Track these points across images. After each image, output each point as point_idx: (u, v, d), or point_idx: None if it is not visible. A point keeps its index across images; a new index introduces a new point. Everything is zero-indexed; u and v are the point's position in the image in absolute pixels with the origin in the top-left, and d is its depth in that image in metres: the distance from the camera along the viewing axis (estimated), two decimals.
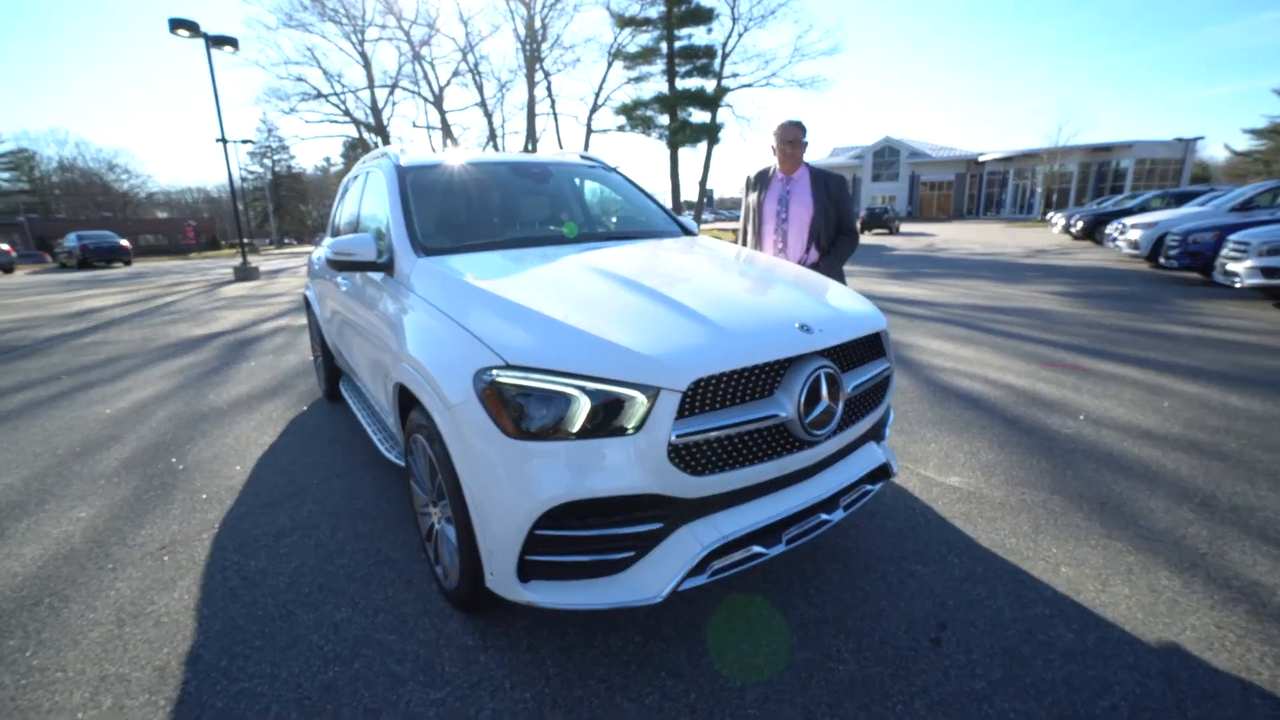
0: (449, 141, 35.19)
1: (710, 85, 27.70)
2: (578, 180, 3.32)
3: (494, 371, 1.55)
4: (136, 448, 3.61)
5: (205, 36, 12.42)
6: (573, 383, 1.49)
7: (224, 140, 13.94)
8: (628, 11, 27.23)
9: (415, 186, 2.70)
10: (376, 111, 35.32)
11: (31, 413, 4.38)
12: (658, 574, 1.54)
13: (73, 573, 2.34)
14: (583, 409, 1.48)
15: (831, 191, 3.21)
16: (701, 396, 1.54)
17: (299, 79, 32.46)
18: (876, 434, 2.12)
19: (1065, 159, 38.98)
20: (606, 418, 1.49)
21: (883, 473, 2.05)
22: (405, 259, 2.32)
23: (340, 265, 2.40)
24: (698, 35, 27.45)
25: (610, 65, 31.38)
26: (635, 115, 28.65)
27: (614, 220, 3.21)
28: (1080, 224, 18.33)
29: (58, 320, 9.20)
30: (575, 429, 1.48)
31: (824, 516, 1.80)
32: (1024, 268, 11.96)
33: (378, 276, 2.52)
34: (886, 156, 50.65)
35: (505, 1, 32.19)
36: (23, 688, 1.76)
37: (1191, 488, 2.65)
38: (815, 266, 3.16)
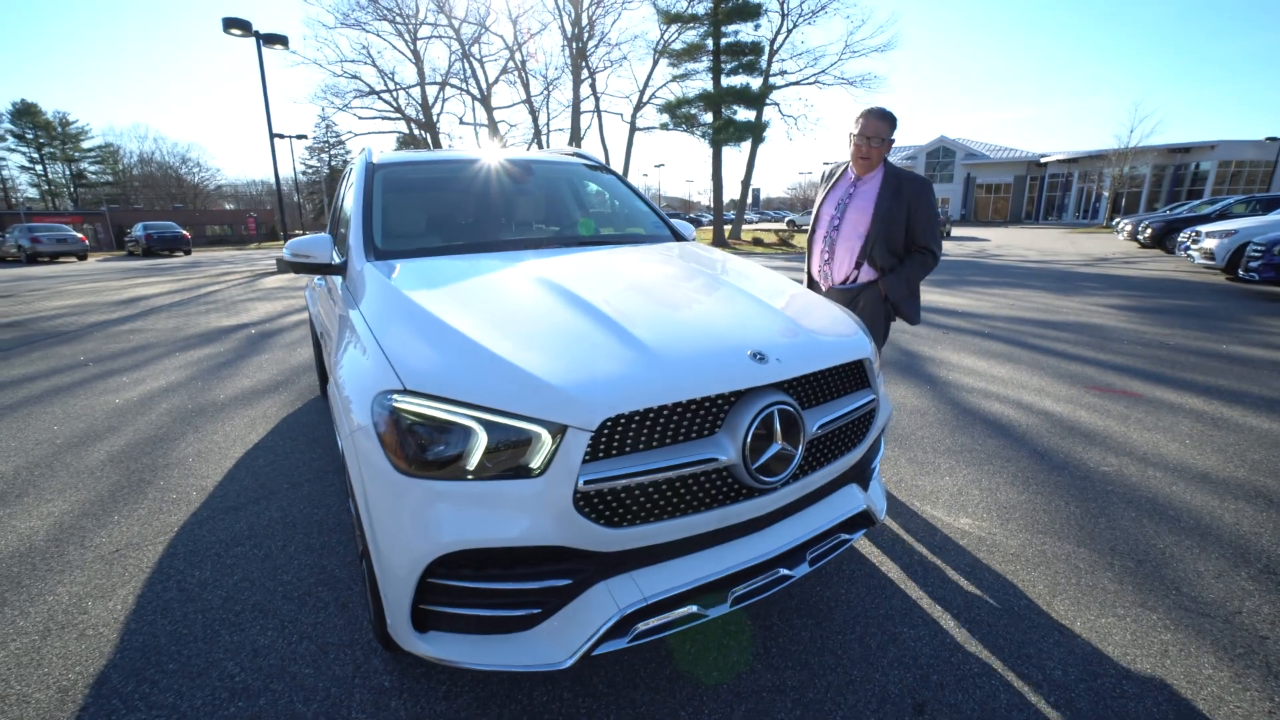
0: (495, 138, 35.69)
1: (756, 83, 27.08)
2: (564, 180, 3.12)
3: (392, 396, 1.37)
4: (130, 441, 3.62)
5: (257, 35, 12.86)
6: (471, 414, 1.30)
7: (273, 136, 14.41)
8: (674, 8, 26.91)
9: (387, 185, 2.56)
10: (426, 108, 36.14)
11: (49, 400, 4.50)
12: (566, 636, 1.33)
13: (22, 573, 2.29)
14: (479, 446, 1.29)
15: (905, 198, 2.57)
16: (621, 436, 1.31)
17: (354, 76, 33.51)
18: (860, 475, 1.84)
19: (1137, 160, 36.49)
20: (507, 457, 1.29)
21: (863, 520, 1.78)
22: (356, 261, 2.18)
23: (295, 266, 2.28)
24: (744, 32, 26.87)
25: (656, 63, 31.14)
26: (679, 113, 28.30)
27: (596, 223, 2.99)
28: (1150, 230, 17.03)
29: (105, 307, 9.64)
30: (471, 467, 1.29)
31: (783, 572, 1.55)
32: (1081, 277, 11.14)
33: (338, 279, 2.39)
34: (940, 158, 48.72)
35: None
36: None
37: (1254, 548, 2.25)
38: (870, 288, 2.67)
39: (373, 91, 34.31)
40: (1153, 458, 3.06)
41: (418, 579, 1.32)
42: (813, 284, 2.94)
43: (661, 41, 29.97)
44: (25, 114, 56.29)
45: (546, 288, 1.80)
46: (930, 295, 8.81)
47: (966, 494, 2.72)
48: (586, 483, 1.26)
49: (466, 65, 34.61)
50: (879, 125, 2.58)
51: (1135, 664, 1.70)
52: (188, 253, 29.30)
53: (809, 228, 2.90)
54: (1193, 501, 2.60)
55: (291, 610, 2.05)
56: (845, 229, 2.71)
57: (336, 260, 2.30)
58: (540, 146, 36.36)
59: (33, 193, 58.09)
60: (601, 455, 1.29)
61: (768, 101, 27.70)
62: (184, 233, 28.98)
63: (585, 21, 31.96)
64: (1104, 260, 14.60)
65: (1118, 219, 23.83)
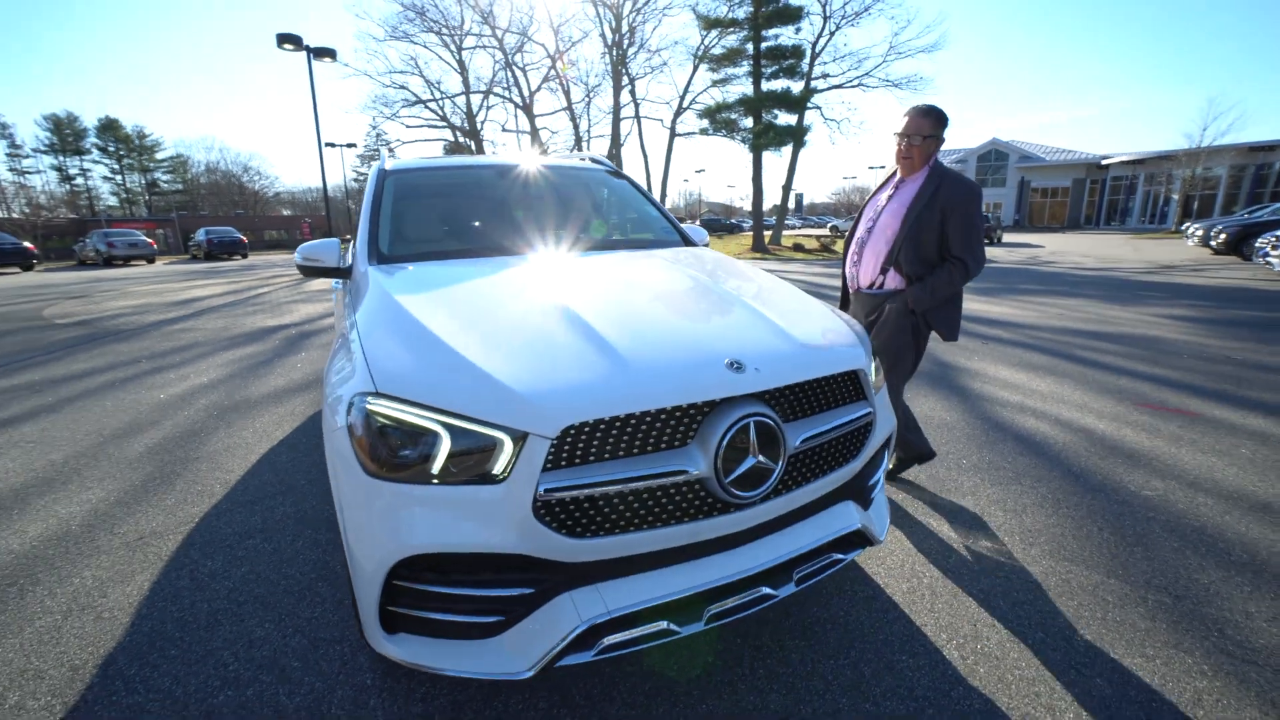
0: (537, 145, 36.35)
1: (797, 87, 26.72)
2: (575, 185, 3.12)
3: (367, 398, 1.38)
4: (167, 435, 3.81)
5: (307, 49, 13.52)
6: (436, 419, 1.30)
7: (321, 144, 15.10)
8: (714, 13, 26.85)
9: (396, 191, 2.63)
10: (471, 116, 37.17)
11: (103, 393, 4.78)
12: (528, 646, 1.31)
13: (56, 555, 2.43)
14: (444, 450, 1.29)
15: (940, 202, 2.41)
16: (585, 444, 1.29)
17: (402, 86, 34.76)
18: (858, 491, 1.76)
19: (1212, 160, 34.17)
20: (472, 462, 1.28)
21: (858, 539, 1.69)
22: (360, 265, 2.23)
23: (305, 270, 2.36)
24: (785, 35, 26.55)
25: (696, 68, 31.15)
26: (718, 118, 28.19)
27: (605, 228, 2.98)
28: (1224, 235, 15.90)
29: (164, 307, 10.23)
30: (436, 471, 1.29)
31: (766, 591, 1.49)
32: (1142, 286, 10.49)
33: (345, 282, 2.46)
34: (993, 160, 46.87)
35: (595, 6, 32.80)
36: None
37: None
38: (896, 296, 2.55)
39: (419, 101, 35.53)
40: (1205, 483, 2.83)
41: (383, 580, 1.32)
42: (845, 287, 2.89)
43: (701, 47, 29.97)
44: (108, 129, 60.69)
45: (534, 293, 1.80)
46: (972, 304, 8.46)
47: (989, 515, 2.57)
48: (547, 491, 1.24)
49: (509, 74, 35.45)
50: (920, 122, 2.46)
51: (1161, 712, 1.56)
52: (244, 256, 30.85)
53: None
54: (1248, 533, 2.38)
55: (290, 604, 2.09)
56: (876, 233, 2.62)
57: (345, 264, 2.36)
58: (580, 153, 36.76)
59: (113, 200, 62.41)
60: (564, 464, 1.27)
61: (809, 105, 27.26)
62: (241, 237, 30.52)
63: (625, 29, 32.25)
64: (1170, 268, 13.72)
65: (1187, 223, 22.38)
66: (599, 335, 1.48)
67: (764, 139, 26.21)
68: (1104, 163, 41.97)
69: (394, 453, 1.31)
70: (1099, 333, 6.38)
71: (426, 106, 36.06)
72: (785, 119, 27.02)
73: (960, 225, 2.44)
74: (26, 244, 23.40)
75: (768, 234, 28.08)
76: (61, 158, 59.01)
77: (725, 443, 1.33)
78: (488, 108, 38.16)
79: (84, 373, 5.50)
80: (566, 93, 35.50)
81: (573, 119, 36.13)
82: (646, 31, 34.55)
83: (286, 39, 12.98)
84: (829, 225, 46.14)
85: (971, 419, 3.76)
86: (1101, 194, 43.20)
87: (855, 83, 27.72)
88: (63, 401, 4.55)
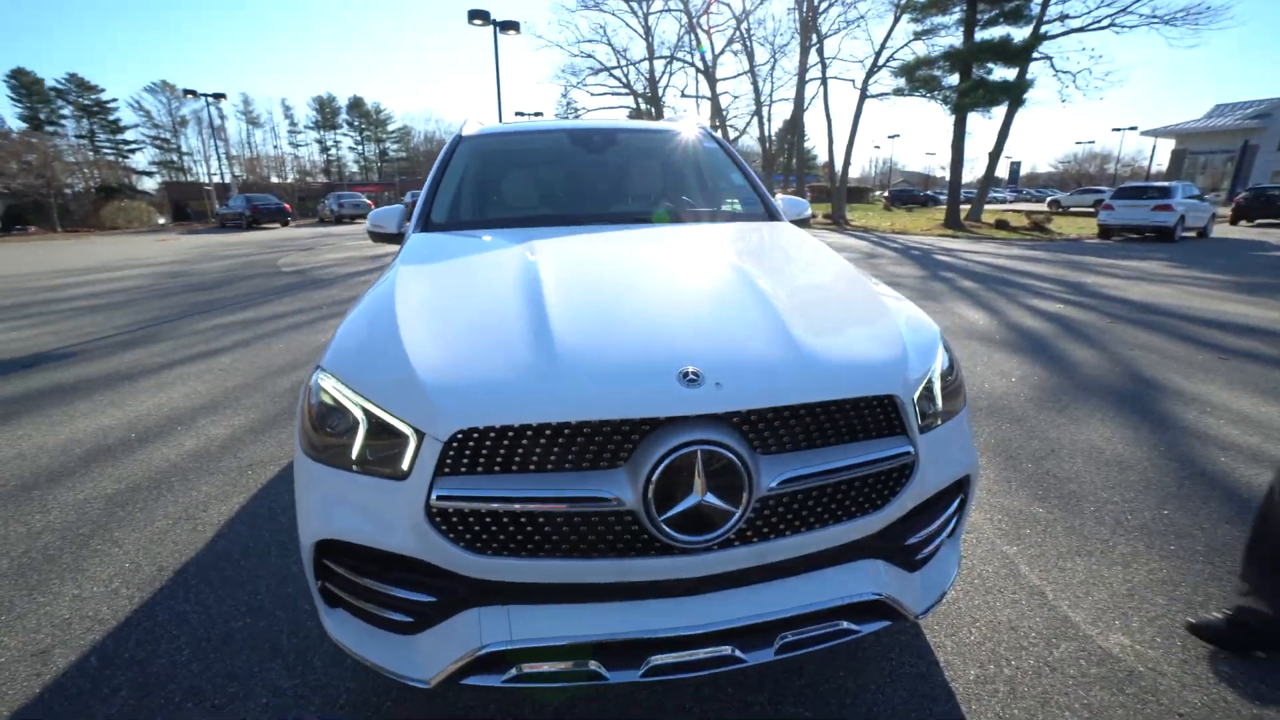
0: (714, 117, 35.67)
1: (1020, 34, 22.53)
2: (652, 152, 2.85)
3: (318, 373, 1.35)
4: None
5: (494, 23, 14.54)
6: (359, 403, 1.22)
7: (501, 111, 16.23)
8: None
9: (470, 157, 2.63)
10: (653, 82, 37.57)
11: (285, 334, 5.69)
12: (434, 655, 1.21)
13: (191, 469, 2.90)
14: (360, 436, 1.21)
15: None
16: (489, 451, 1.11)
17: (588, 55, 36.19)
18: (896, 552, 1.34)
19: None
20: (385, 454, 1.18)
21: (880, 610, 1.30)
22: (410, 232, 2.25)
23: (373, 235, 2.46)
24: None
25: (896, 20, 27.79)
26: (917, 75, 25.02)
27: (672, 199, 2.67)
28: None
29: (361, 260, 11.98)
30: (354, 458, 1.21)
31: (731, 652, 1.20)
32: None
33: None
34: None
35: None
36: (84, 552, 2.20)
37: None
38: None
39: (604, 68, 36.75)
40: None
41: (312, 558, 1.30)
42: None
43: None
44: (355, 106, 72.78)
45: (523, 273, 1.62)
46: (1226, 304, 6.47)
47: (1142, 599, 1.89)
48: (440, 498, 1.11)
49: (693, 37, 34.92)
50: None
51: None
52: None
53: None
54: None
55: None
56: None
57: (402, 230, 2.40)
58: (760, 118, 35.43)
59: (354, 168, 74.70)
60: (464, 470, 1.11)
61: (1035, 55, 22.93)
62: (367, 201, 33.22)
63: None
64: None
65: None
66: (548, 330, 1.28)
67: (970, 98, 22.75)
68: None
69: (323, 432, 1.27)
70: None
71: (611, 74, 37.24)
72: (1001, 73, 23.14)
73: None
74: (285, 205, 28.82)
75: (966, 208, 24.60)
76: (322, 132, 71.96)
77: (658, 473, 1.05)
78: (670, 73, 38.30)
79: (281, 314, 6.60)
80: (750, 55, 34.09)
81: (754, 82, 34.70)
82: None
83: (476, 14, 14.12)
84: (1048, 200, 39.00)
85: (1160, 460, 2.83)
86: None
87: (1107, 22, 22.42)
88: (255, 338, 5.50)
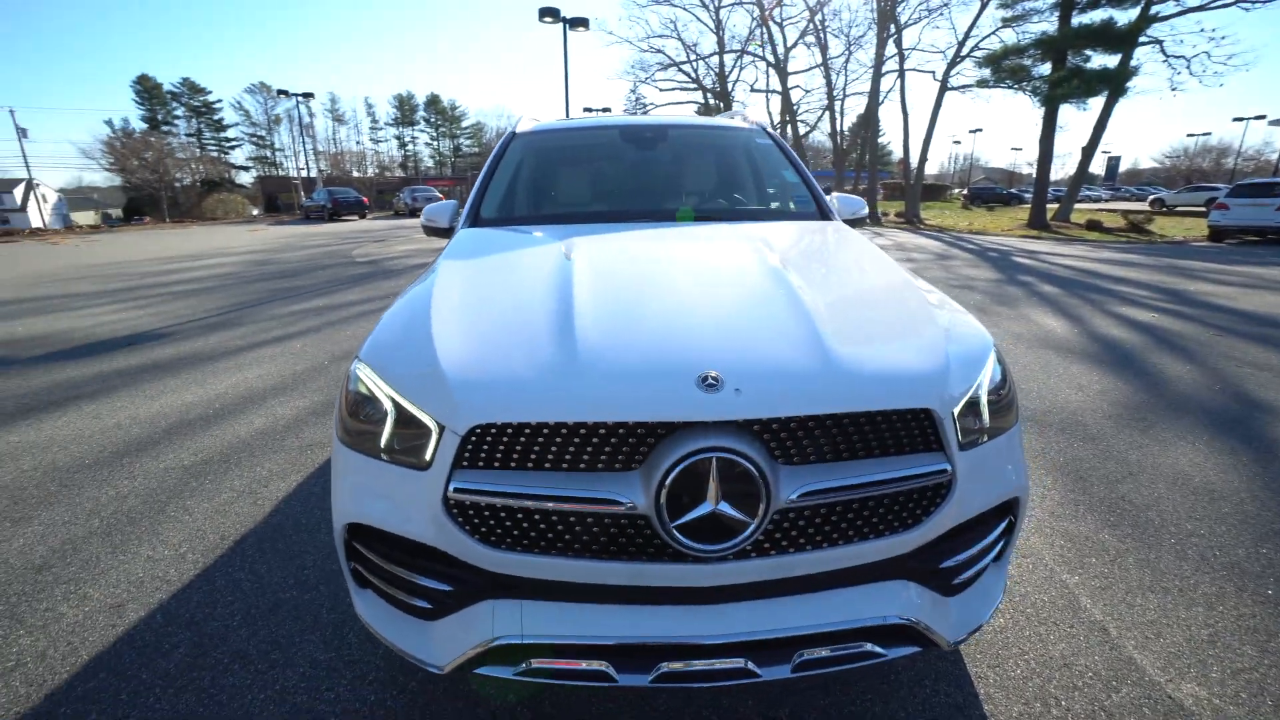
0: (785, 112, 34.86)
1: (1126, 16, 20.66)
2: (708, 149, 2.79)
3: (356, 362, 1.41)
4: None
5: (564, 20, 14.74)
6: (389, 393, 1.27)
7: (568, 108, 16.45)
8: None
9: (523, 153, 2.67)
10: (723, 77, 37.12)
11: (350, 322, 6.01)
12: (450, 641, 1.24)
13: (257, 447, 3.10)
14: (388, 426, 1.25)
15: None
16: (506, 447, 1.13)
17: (658, 50, 36.15)
18: (929, 574, 1.26)
19: None
20: (410, 444, 1.22)
21: (908, 635, 1.23)
22: (459, 227, 2.31)
23: (426, 230, 2.54)
24: None
25: (983, 6, 26.17)
26: (1004, 65, 23.47)
27: (721, 196, 2.60)
28: None
29: (428, 252, 12.42)
30: (382, 446, 1.26)
31: (745, 665, 1.17)
32: None
33: None
34: None
35: None
36: (161, 518, 2.40)
37: None
38: None
39: (673, 64, 36.60)
40: None
41: (344, 540, 1.35)
42: None
43: None
44: (432, 104, 75.82)
45: (557, 271, 1.63)
46: None
47: (1226, 646, 1.70)
48: (457, 490, 1.13)
49: (764, 31, 34.21)
50: None
51: None
52: None
53: None
54: None
55: None
56: None
57: (451, 225, 2.46)
58: (832, 112, 34.38)
59: (430, 163, 77.88)
60: (481, 464, 1.13)
61: (1142, 39, 21.00)
62: (438, 195, 34.60)
63: None
64: None
65: None
66: (572, 326, 1.28)
67: (1064, 88, 21.13)
68: None
69: (357, 420, 1.32)
70: None
71: (680, 69, 37.06)
72: (1100, 61, 21.38)
73: None
74: (363, 198, 30.40)
75: (1053, 208, 22.96)
76: (400, 128, 75.44)
77: (671, 478, 1.03)
78: (740, 68, 37.74)
79: (350, 303, 6.97)
80: (824, 48, 33.05)
81: (827, 76, 33.63)
82: None
83: (546, 12, 14.39)
84: (1150, 199, 35.75)
85: (1262, 492, 2.54)
86: None
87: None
88: (325, 325, 5.83)
